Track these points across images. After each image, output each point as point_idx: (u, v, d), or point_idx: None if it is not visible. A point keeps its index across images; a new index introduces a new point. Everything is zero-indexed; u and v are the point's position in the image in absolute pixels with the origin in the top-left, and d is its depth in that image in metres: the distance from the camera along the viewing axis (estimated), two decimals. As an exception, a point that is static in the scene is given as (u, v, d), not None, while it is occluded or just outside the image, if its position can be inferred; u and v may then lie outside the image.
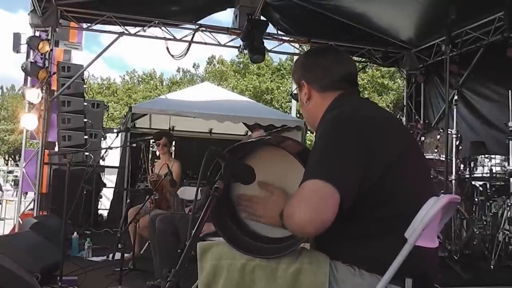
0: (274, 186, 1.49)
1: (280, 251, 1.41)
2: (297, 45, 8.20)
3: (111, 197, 8.78)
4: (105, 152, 8.38)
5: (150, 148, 8.22)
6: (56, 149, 7.24)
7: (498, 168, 4.57)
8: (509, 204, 4.20)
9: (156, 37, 7.30)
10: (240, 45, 7.38)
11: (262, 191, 1.49)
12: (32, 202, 6.59)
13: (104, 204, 8.51)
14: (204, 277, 1.46)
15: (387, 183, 1.35)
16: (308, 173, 1.30)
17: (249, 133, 9.65)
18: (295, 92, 1.72)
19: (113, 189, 8.70)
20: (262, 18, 7.07)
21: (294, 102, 16.67)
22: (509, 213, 4.16)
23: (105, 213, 8.63)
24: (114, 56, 55.88)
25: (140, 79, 34.16)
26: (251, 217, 1.52)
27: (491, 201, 4.63)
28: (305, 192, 1.27)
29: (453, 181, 4.18)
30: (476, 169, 4.65)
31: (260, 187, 1.49)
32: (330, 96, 1.58)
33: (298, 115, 15.45)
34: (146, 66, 58.33)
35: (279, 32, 7.63)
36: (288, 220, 1.31)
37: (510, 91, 4.53)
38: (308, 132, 9.36)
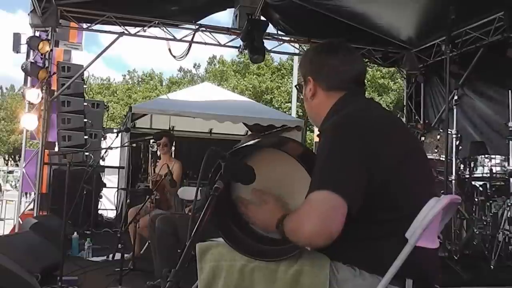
0: (269, 194, 1.47)
1: (281, 254, 1.41)
2: (297, 45, 8.19)
3: (111, 197, 8.78)
4: (105, 152, 8.38)
5: (150, 148, 8.21)
6: (56, 149, 7.24)
7: (498, 168, 4.56)
8: (509, 204, 4.20)
9: (156, 37, 7.30)
10: (240, 45, 7.38)
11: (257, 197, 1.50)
12: (32, 202, 6.59)
13: (104, 204, 8.51)
14: (203, 278, 1.46)
15: (390, 185, 1.35)
16: (314, 184, 1.30)
17: (249, 133, 9.64)
18: (301, 83, 1.68)
19: (113, 189, 8.69)
20: (262, 18, 7.07)
21: (294, 102, 16.68)
22: (509, 213, 4.15)
23: (105, 213, 8.64)
24: (113, 56, 55.93)
25: (140, 79, 34.18)
26: (249, 222, 1.53)
27: (491, 201, 4.64)
28: (313, 203, 1.27)
29: (453, 181, 4.18)
30: (476, 169, 4.65)
31: (254, 194, 1.49)
32: (335, 96, 1.56)
33: (298, 115, 15.46)
34: (145, 66, 58.40)
35: (279, 32, 7.63)
36: (295, 233, 1.31)
37: (510, 91, 4.53)
38: (308, 132, 9.36)
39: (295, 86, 1.80)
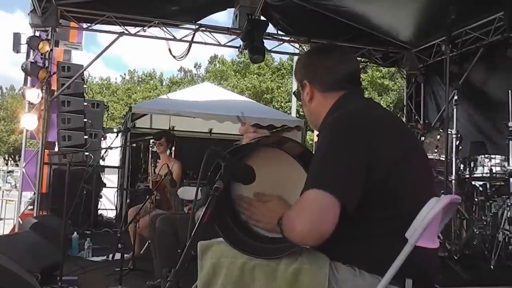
0: (270, 195, 1.48)
1: (281, 251, 1.41)
2: (297, 45, 8.19)
3: (111, 197, 8.78)
4: (105, 152, 8.38)
5: (150, 148, 8.20)
6: (56, 149, 7.23)
7: (498, 168, 4.56)
8: (509, 204, 4.20)
9: (156, 37, 7.30)
10: (240, 45, 7.38)
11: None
12: (32, 202, 6.58)
13: (104, 204, 8.52)
14: (203, 275, 1.46)
15: (390, 183, 1.35)
16: (309, 183, 1.29)
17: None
18: (299, 89, 1.68)
19: (113, 189, 8.70)
20: (262, 18, 7.07)
21: (294, 102, 16.69)
22: (509, 213, 4.16)
23: (105, 213, 8.64)
24: (112, 55, 55.93)
25: (140, 79, 34.18)
26: (249, 220, 1.53)
27: (491, 201, 4.63)
28: (305, 203, 1.27)
29: (453, 181, 4.18)
30: (476, 169, 4.65)
31: (256, 197, 1.49)
32: (333, 96, 1.56)
33: (298, 115, 15.46)
34: (145, 66, 58.44)
35: (279, 32, 7.63)
36: (288, 232, 1.32)
37: (510, 91, 4.53)
38: (309, 132, 9.36)
39: (293, 93, 1.80)
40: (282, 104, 25.70)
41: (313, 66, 1.61)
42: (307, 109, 1.65)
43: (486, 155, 4.66)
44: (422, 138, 4.79)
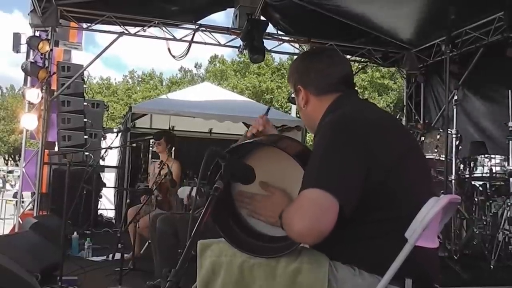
0: (275, 187, 1.48)
1: (281, 250, 1.41)
2: (297, 45, 8.19)
3: (110, 196, 8.78)
4: (105, 152, 8.38)
5: (150, 148, 8.19)
6: (56, 149, 7.24)
7: (498, 168, 4.56)
8: (509, 204, 4.21)
9: (156, 37, 7.31)
10: (240, 45, 7.38)
11: (263, 190, 1.49)
12: (32, 202, 6.58)
13: (104, 204, 8.52)
14: (203, 274, 1.46)
15: (388, 185, 1.35)
16: (307, 182, 1.29)
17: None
18: (292, 96, 1.70)
19: (112, 189, 8.70)
20: (262, 18, 7.07)
21: (294, 102, 16.67)
22: (509, 213, 4.16)
23: (105, 213, 8.64)
24: (112, 55, 55.90)
25: (140, 79, 34.18)
26: (252, 214, 1.52)
27: (491, 201, 4.64)
28: (304, 202, 1.27)
29: (453, 181, 4.19)
30: (476, 169, 4.65)
31: (261, 187, 1.49)
32: (328, 99, 1.57)
33: (298, 115, 15.45)
34: (144, 66, 58.43)
35: (279, 32, 7.63)
36: (287, 228, 1.32)
37: (510, 91, 4.53)
38: (308, 132, 9.38)
39: (288, 99, 1.81)
40: (282, 104, 25.69)
41: (306, 69, 1.62)
42: (303, 113, 1.66)
43: (486, 155, 4.67)
44: (422, 138, 4.79)
